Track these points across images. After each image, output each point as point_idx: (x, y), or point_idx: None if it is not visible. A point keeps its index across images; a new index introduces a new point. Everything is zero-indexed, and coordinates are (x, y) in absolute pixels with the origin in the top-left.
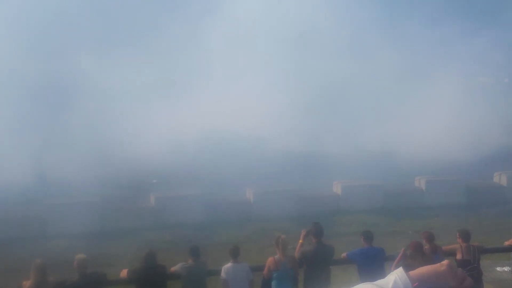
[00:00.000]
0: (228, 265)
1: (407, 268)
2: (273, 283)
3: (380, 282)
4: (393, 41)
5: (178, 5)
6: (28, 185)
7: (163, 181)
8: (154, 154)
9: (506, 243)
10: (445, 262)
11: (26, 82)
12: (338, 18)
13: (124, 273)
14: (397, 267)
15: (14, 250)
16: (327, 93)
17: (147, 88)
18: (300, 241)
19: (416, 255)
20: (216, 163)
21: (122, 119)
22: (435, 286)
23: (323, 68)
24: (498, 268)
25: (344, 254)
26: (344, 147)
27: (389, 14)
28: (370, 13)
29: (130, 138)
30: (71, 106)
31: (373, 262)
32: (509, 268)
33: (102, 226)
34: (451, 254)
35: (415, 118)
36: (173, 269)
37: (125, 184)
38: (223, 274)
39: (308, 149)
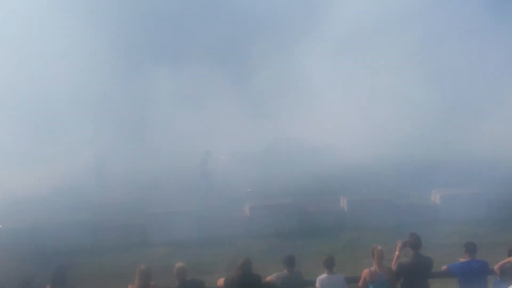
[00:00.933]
0: (323, 276)
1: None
2: None
3: None
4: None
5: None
6: (129, 195)
7: (257, 191)
8: (248, 163)
9: None
10: None
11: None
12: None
13: (221, 281)
14: (500, 271)
15: (117, 257)
16: (424, 94)
17: (240, 95)
18: (397, 253)
19: None
20: (311, 171)
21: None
22: None
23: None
24: None
25: (444, 267)
26: (444, 153)
27: None
28: None
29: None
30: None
31: (475, 275)
32: None
33: (199, 235)
34: None
35: None
36: (268, 278)
37: (221, 194)
38: (318, 285)
39: (407, 156)
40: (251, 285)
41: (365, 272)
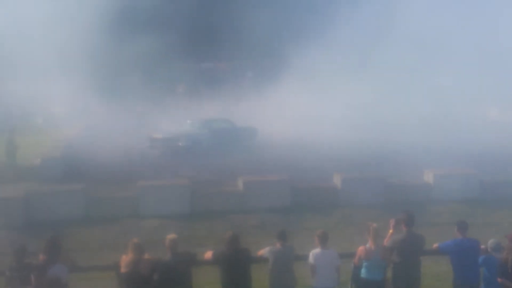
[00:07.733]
0: (317, 250)
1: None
2: (363, 271)
3: None
4: None
5: None
6: (123, 167)
7: (250, 167)
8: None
9: None
10: None
11: None
12: None
13: (209, 255)
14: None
15: (109, 228)
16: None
17: None
18: (391, 230)
19: None
20: (306, 149)
21: None
22: None
23: None
24: None
25: (436, 245)
26: (439, 134)
27: None
28: None
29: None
30: None
31: (467, 254)
32: None
33: (192, 209)
34: None
35: None
36: (260, 252)
37: (214, 168)
38: (311, 259)
39: (400, 138)
40: (238, 259)
41: (360, 249)
